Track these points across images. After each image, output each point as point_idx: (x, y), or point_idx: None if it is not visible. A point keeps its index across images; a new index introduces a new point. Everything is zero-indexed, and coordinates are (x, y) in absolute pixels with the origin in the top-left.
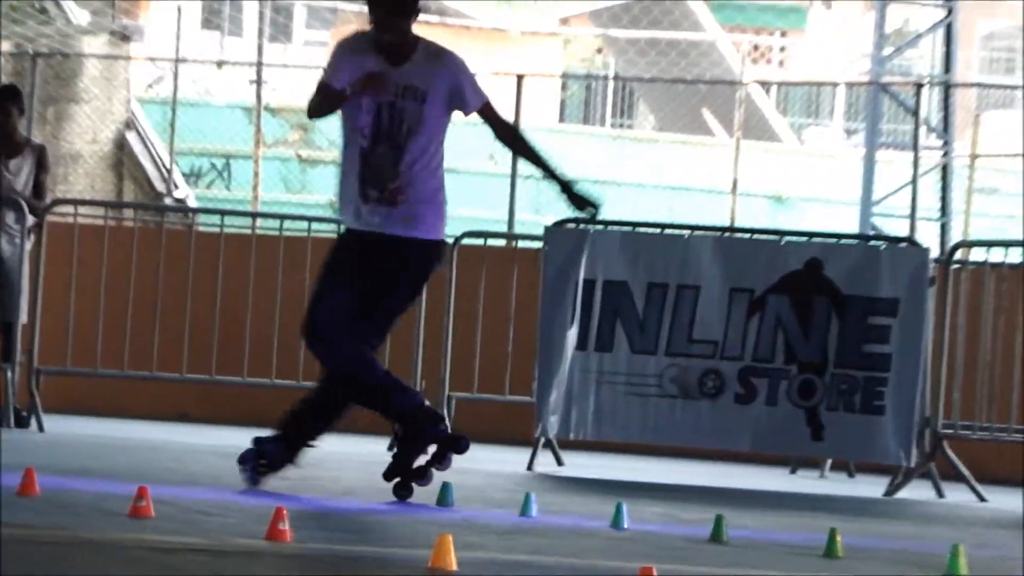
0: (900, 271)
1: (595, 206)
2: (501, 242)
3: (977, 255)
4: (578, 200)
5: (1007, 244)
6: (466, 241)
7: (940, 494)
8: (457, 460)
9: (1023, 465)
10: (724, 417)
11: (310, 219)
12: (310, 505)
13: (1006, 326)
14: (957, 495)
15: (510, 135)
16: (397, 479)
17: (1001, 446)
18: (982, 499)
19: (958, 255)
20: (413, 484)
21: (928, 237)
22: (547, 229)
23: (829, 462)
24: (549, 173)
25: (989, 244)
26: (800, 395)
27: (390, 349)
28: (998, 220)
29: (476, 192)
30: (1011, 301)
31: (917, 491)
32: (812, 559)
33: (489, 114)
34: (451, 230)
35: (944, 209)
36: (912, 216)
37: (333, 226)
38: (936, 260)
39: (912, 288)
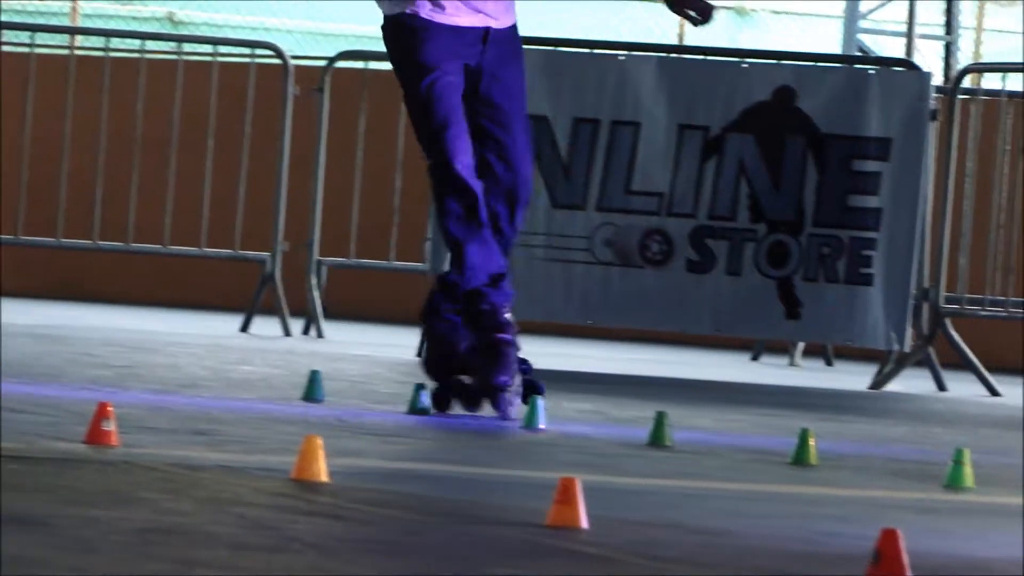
0: (893, 103)
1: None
2: (387, 65)
3: (991, 82)
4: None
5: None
6: (341, 64)
7: (941, 386)
8: (330, 345)
9: None
10: (672, 290)
11: (144, 36)
12: (142, 400)
13: None
14: (962, 387)
15: None
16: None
17: (1019, 325)
18: (994, 392)
19: (966, 82)
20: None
21: (929, 59)
22: None
23: (801, 346)
24: None
25: (1006, 69)
26: (770, 262)
27: (243, 201)
28: (1018, 38)
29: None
30: None
31: (912, 383)
32: (778, 467)
33: None
34: (323, 49)
35: (949, 24)
36: (909, 33)
37: (172, 45)
38: (939, 89)
39: (908, 125)
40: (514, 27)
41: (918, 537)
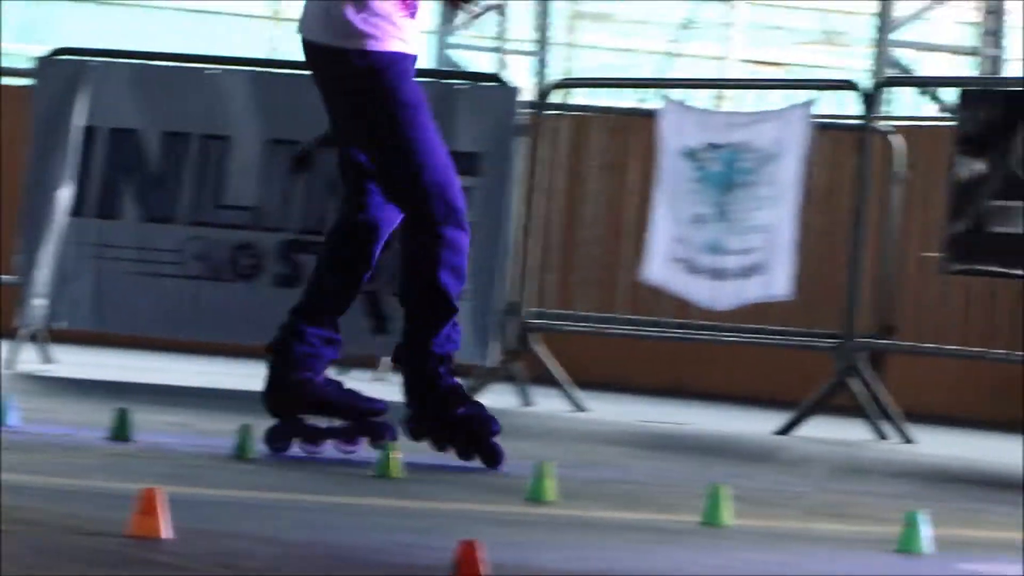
0: (482, 118)
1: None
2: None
3: (582, 98)
4: None
5: (613, 85)
6: None
7: (526, 402)
8: None
9: (632, 366)
10: (262, 304)
11: None
12: None
13: (615, 189)
14: (548, 403)
15: None
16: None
17: (605, 341)
18: (580, 408)
19: (556, 97)
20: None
21: (520, 74)
22: (38, 61)
23: (387, 360)
24: None
25: (594, 84)
26: None
27: None
28: (611, 54)
29: None
30: (621, 157)
31: (497, 397)
32: (362, 480)
33: None
34: None
35: (542, 39)
36: (500, 48)
37: None
38: (528, 104)
39: (497, 139)
40: None
41: (498, 549)
